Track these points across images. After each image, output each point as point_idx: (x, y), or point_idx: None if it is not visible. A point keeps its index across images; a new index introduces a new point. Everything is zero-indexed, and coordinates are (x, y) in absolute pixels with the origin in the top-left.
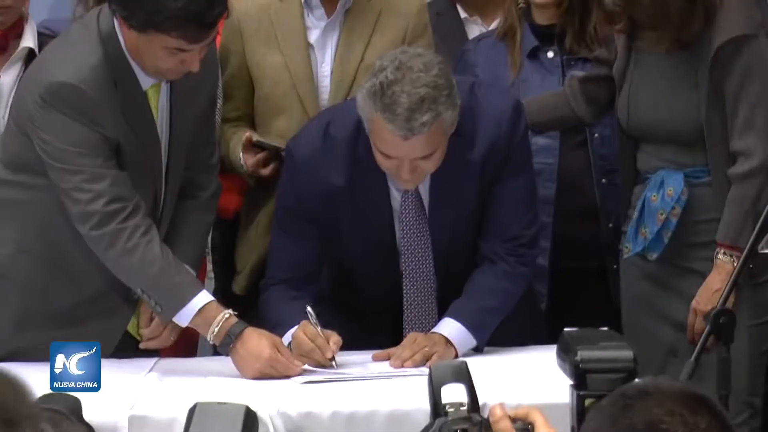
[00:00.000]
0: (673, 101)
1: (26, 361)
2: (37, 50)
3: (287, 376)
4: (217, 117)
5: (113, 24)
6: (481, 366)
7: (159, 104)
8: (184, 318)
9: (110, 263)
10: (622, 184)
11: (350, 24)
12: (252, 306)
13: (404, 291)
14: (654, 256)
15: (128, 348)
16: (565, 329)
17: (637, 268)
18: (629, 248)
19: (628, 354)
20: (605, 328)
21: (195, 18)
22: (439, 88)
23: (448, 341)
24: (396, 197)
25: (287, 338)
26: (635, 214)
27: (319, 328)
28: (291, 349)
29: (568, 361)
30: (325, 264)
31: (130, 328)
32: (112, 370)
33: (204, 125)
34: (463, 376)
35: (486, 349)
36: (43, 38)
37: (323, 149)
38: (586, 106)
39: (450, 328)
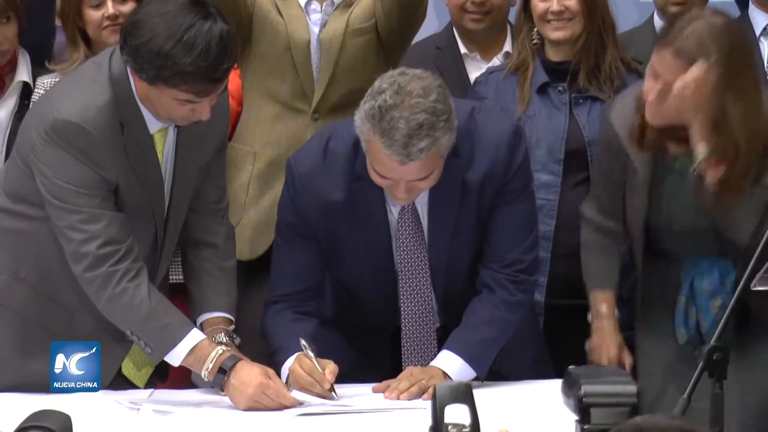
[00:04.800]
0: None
1: (28, 393)
2: (31, 82)
3: (280, 407)
4: None
5: (125, 68)
6: (484, 397)
7: (165, 149)
8: (175, 358)
9: (100, 305)
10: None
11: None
12: (261, 270)
13: (402, 314)
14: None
15: (121, 389)
16: (570, 367)
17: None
18: (684, 334)
19: (631, 388)
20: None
21: (204, 74)
22: (437, 113)
23: (445, 374)
24: (394, 214)
25: (285, 369)
26: (682, 299)
27: (314, 360)
28: (289, 382)
29: (572, 395)
30: (327, 283)
31: (125, 370)
32: (106, 402)
33: (210, 171)
34: (467, 397)
35: (486, 382)
36: (37, 70)
37: (323, 165)
38: None
39: (448, 360)
